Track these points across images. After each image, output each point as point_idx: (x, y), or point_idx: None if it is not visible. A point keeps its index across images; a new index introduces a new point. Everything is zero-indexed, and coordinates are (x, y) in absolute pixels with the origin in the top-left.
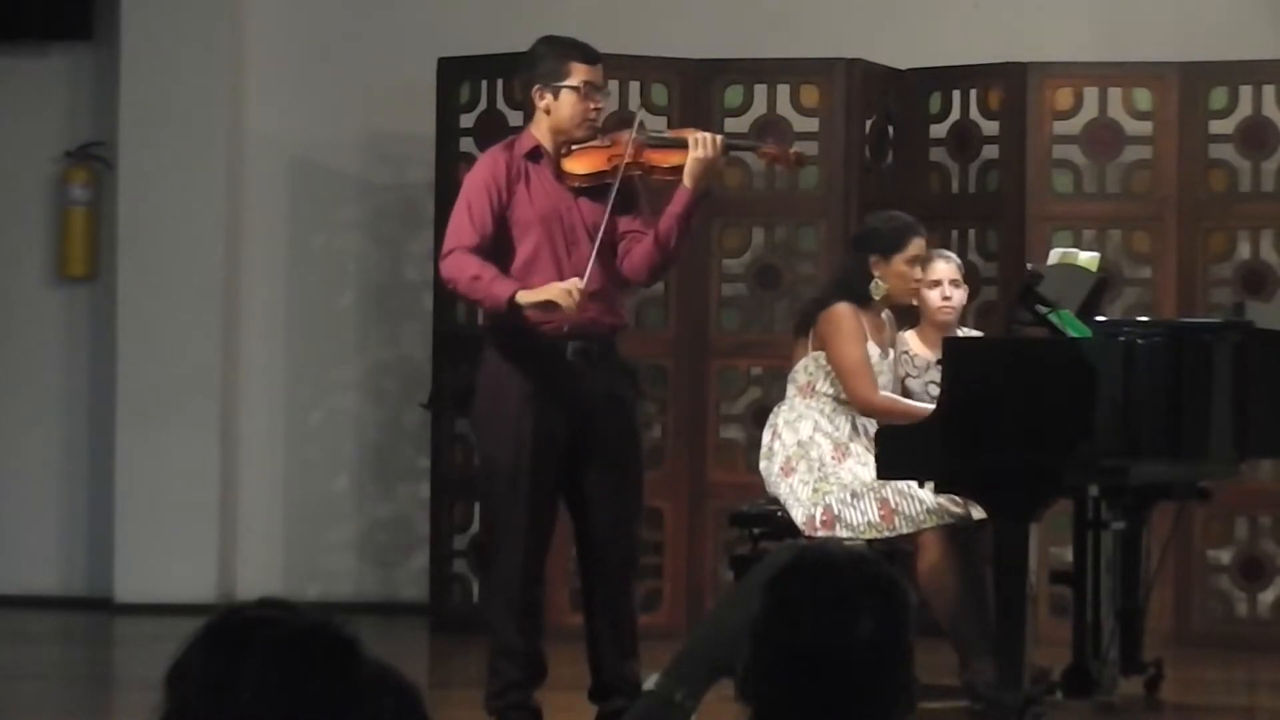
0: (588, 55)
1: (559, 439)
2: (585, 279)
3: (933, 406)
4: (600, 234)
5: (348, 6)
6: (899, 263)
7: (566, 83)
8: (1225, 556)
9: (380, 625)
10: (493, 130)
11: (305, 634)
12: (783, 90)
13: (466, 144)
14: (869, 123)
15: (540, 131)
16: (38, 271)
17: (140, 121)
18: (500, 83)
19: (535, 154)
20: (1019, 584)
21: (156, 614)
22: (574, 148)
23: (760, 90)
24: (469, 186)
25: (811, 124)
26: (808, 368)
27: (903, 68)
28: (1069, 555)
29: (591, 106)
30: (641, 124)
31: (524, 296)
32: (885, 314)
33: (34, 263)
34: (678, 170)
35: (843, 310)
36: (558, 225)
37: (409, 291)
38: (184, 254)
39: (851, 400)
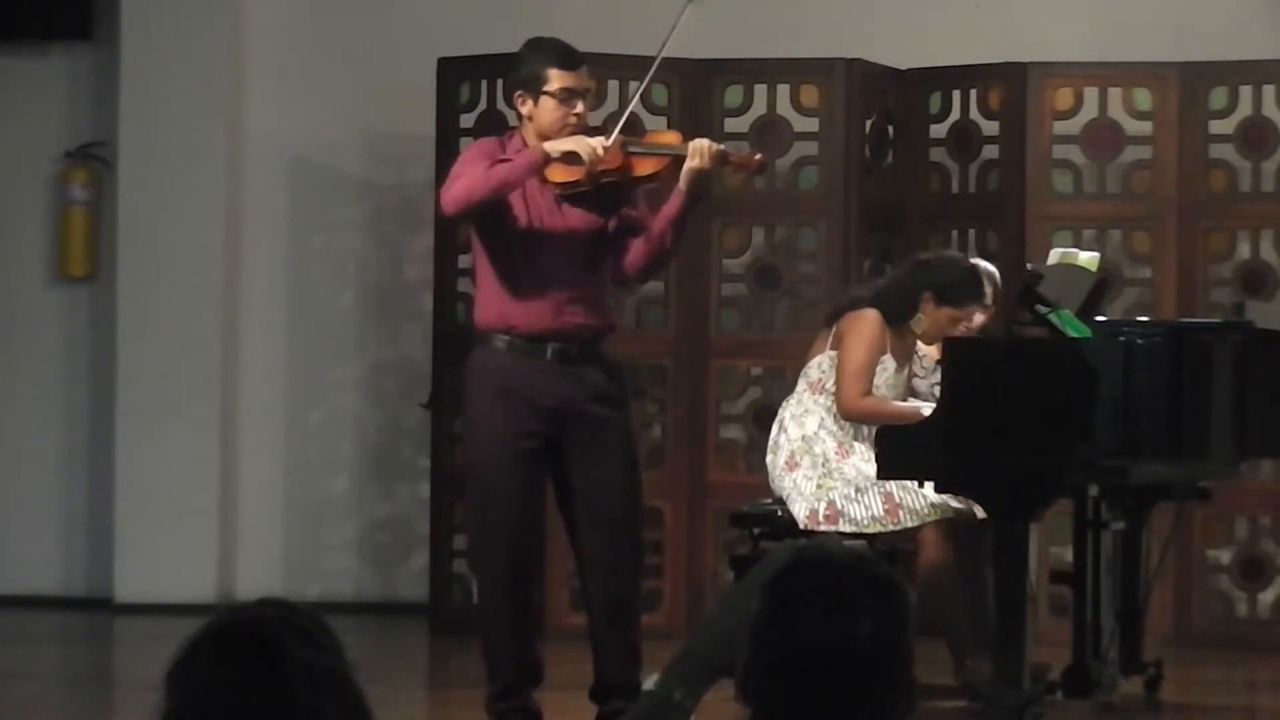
0: (566, 61)
1: (536, 438)
2: (611, 139)
3: (915, 408)
4: (619, 126)
5: (347, 6)
6: (946, 315)
7: (545, 89)
8: (1225, 556)
9: (380, 625)
10: (492, 130)
11: (239, 638)
12: (783, 90)
13: (466, 144)
14: (869, 123)
15: (528, 135)
16: (38, 271)
17: (140, 121)
18: (500, 83)
19: None
20: (1019, 584)
21: (156, 614)
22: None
23: (760, 90)
24: (470, 151)
25: (811, 124)
26: (821, 365)
27: (903, 68)
28: (1069, 555)
29: (570, 113)
30: (625, 128)
31: (550, 145)
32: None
33: (34, 263)
34: (654, 178)
35: (871, 316)
36: (540, 229)
37: (409, 291)
38: (184, 254)
39: (837, 398)
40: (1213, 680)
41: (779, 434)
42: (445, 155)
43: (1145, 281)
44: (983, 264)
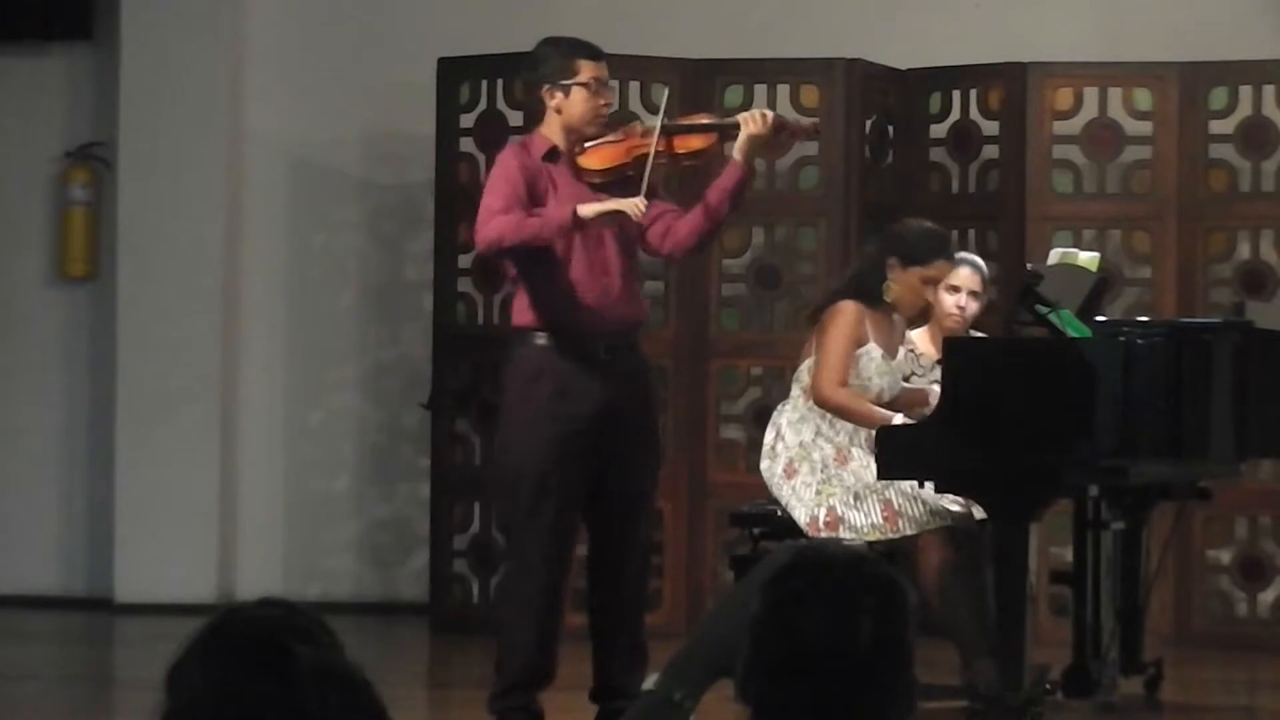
0: (593, 52)
1: (585, 440)
2: (643, 191)
3: (889, 414)
4: (648, 169)
5: (348, 6)
6: (915, 276)
7: (576, 80)
8: (1225, 556)
9: (380, 625)
10: (493, 130)
11: (246, 637)
12: (783, 90)
13: (466, 144)
14: (869, 123)
15: (552, 131)
16: (38, 271)
17: (140, 121)
18: (500, 83)
19: (553, 154)
20: (1019, 584)
21: (156, 614)
22: (586, 145)
23: (760, 90)
24: (496, 174)
25: None
26: (810, 368)
27: (903, 68)
28: (1069, 555)
29: (602, 102)
30: (666, 112)
31: (586, 210)
32: (895, 317)
33: (34, 263)
34: (701, 155)
35: (846, 307)
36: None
37: (409, 291)
38: (184, 254)
39: (812, 387)
40: (1213, 680)
41: (775, 441)
42: (445, 155)
43: (1145, 281)
44: (967, 255)
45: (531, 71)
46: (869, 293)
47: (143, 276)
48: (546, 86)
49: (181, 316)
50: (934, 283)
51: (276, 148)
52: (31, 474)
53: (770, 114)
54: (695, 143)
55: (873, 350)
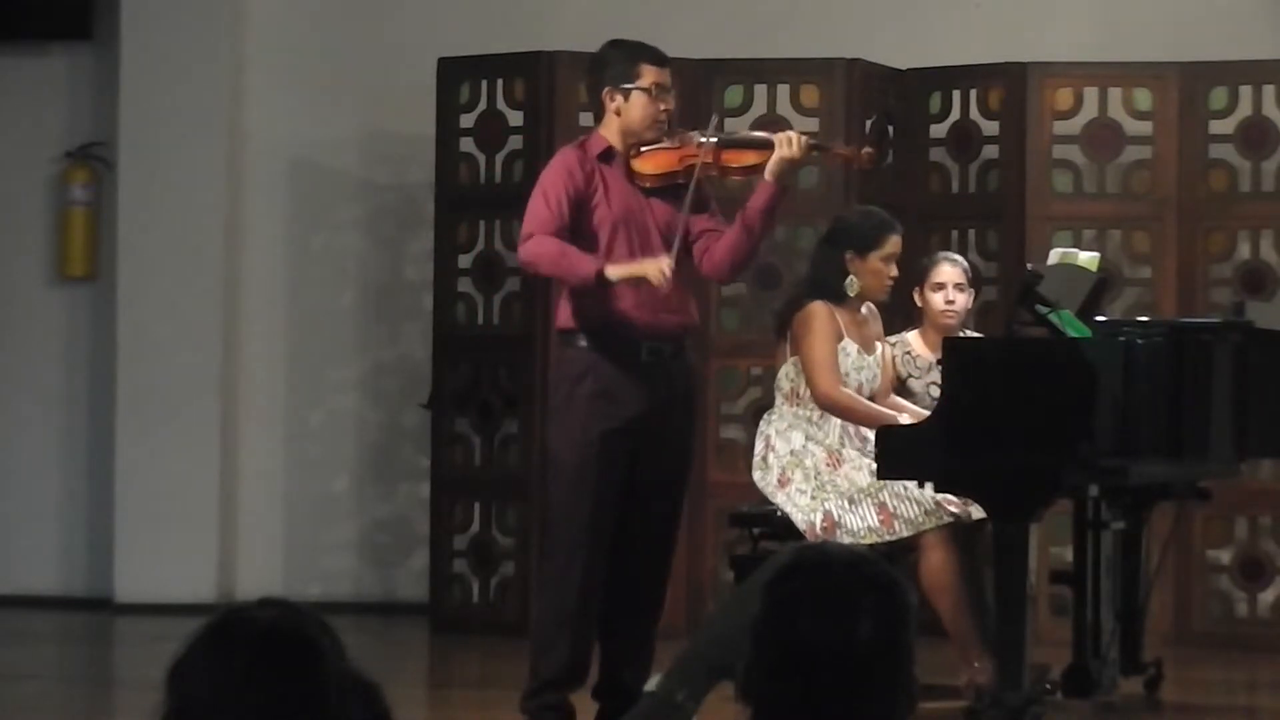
0: (657, 58)
1: (626, 440)
2: (672, 258)
3: (893, 413)
4: (681, 228)
5: (348, 6)
6: (875, 260)
7: (637, 84)
8: (1225, 556)
9: (380, 625)
10: (493, 130)
11: (266, 636)
12: (783, 90)
13: (466, 144)
14: (869, 123)
15: (610, 133)
16: (38, 271)
17: (140, 121)
18: (500, 83)
19: (608, 155)
20: (1019, 584)
21: (156, 614)
22: (643, 149)
23: (760, 90)
24: (545, 180)
25: (811, 124)
26: (789, 374)
27: (903, 68)
28: (1069, 555)
29: (661, 108)
30: (718, 125)
31: (613, 271)
32: (868, 307)
33: (34, 263)
34: (753, 170)
35: (815, 309)
36: (632, 227)
37: (409, 291)
38: (184, 254)
39: (812, 394)
40: (1213, 680)
41: (766, 451)
42: (445, 155)
43: (1145, 281)
44: (945, 253)
45: (594, 73)
46: (831, 292)
47: (143, 276)
48: (607, 89)
49: (181, 317)
50: (893, 259)
51: (276, 148)
52: (31, 474)
53: (805, 139)
54: (748, 158)
55: (848, 346)
